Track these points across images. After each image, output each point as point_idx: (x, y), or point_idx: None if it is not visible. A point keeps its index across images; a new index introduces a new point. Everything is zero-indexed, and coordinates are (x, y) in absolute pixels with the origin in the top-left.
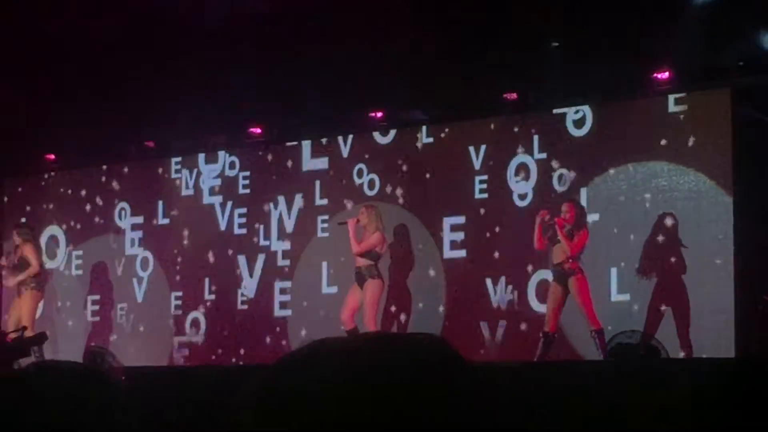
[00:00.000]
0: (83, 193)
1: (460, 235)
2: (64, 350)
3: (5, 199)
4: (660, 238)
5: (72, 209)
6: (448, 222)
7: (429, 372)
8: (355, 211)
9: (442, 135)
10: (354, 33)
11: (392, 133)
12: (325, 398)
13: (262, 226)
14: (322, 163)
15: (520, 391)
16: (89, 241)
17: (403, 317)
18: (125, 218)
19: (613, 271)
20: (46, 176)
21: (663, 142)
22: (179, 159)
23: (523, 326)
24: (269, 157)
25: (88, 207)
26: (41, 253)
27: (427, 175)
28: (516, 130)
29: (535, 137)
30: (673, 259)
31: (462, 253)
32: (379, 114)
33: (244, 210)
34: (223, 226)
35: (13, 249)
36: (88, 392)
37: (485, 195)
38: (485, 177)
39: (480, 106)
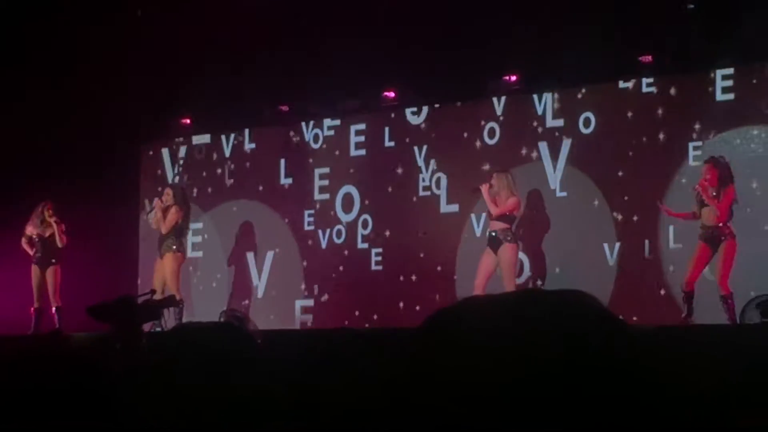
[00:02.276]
0: (216, 157)
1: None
2: (200, 314)
3: (143, 163)
4: None
5: (207, 173)
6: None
7: (575, 322)
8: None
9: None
10: None
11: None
12: (477, 351)
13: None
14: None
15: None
16: (221, 206)
17: (539, 282)
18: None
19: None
20: (181, 140)
21: None
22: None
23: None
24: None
25: (219, 171)
26: (188, 216)
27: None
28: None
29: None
30: None
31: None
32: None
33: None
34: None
35: (159, 204)
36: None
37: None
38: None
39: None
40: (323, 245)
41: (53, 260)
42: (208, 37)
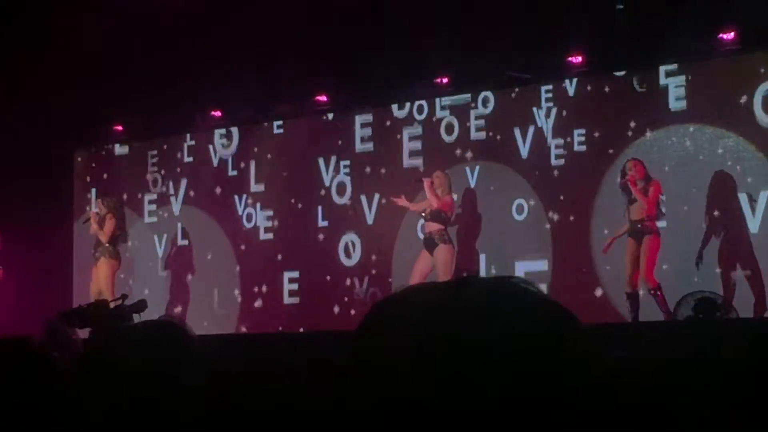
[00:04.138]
0: (149, 164)
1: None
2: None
3: (76, 170)
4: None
5: (138, 180)
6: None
7: (514, 307)
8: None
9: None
10: None
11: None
12: (415, 342)
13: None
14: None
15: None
16: (158, 211)
17: None
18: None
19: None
20: (111, 147)
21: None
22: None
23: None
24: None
25: (150, 177)
26: (124, 223)
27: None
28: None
29: None
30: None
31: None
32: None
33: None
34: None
35: (93, 216)
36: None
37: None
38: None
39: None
40: (256, 249)
41: None
42: (139, 43)
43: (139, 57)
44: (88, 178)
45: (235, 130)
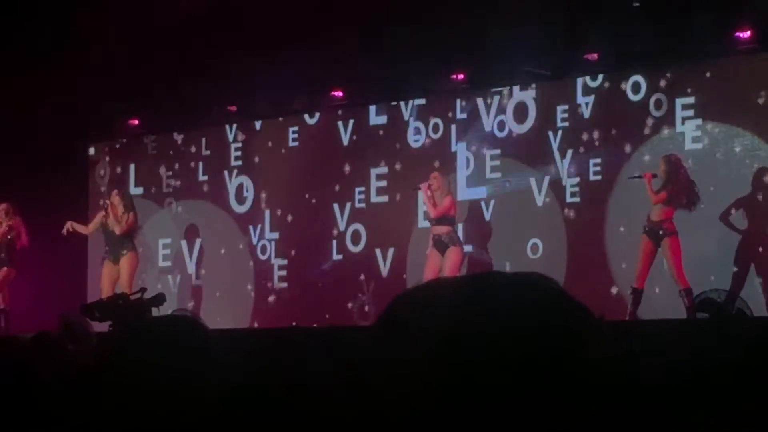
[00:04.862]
0: (164, 157)
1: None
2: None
3: (91, 164)
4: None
5: (154, 174)
6: None
7: (540, 303)
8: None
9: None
10: None
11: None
12: (438, 338)
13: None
14: None
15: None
16: (168, 206)
17: None
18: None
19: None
20: (127, 141)
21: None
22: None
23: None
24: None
25: (166, 171)
26: (137, 217)
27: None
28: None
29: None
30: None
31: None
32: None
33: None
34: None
35: (111, 207)
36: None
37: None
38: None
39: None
40: (271, 245)
41: (8, 262)
42: (156, 38)
43: (157, 52)
44: (103, 172)
45: (251, 124)
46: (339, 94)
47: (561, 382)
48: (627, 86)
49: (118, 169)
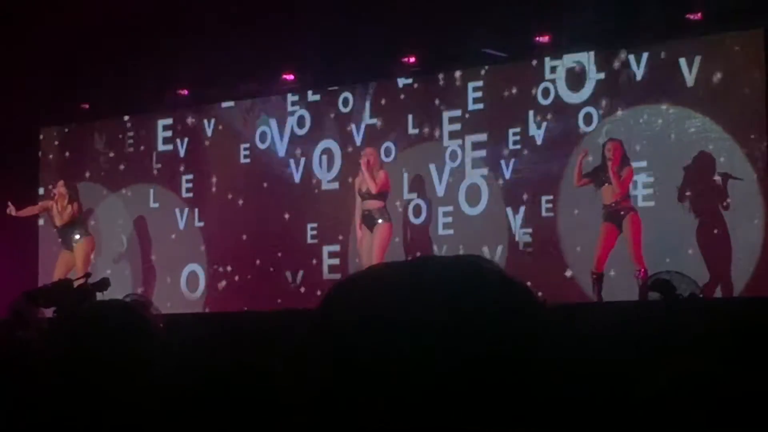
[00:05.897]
0: (112, 142)
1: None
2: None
3: (42, 147)
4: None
5: (104, 158)
6: None
7: (476, 286)
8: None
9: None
10: None
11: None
12: (376, 324)
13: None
14: None
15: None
16: (123, 191)
17: None
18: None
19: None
20: (77, 125)
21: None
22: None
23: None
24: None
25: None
26: (81, 206)
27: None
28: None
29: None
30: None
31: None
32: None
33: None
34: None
35: (58, 197)
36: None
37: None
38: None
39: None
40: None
41: None
42: (108, 21)
43: (108, 34)
44: (51, 156)
45: (204, 107)
46: (290, 77)
47: (504, 362)
48: (577, 66)
49: (67, 153)
